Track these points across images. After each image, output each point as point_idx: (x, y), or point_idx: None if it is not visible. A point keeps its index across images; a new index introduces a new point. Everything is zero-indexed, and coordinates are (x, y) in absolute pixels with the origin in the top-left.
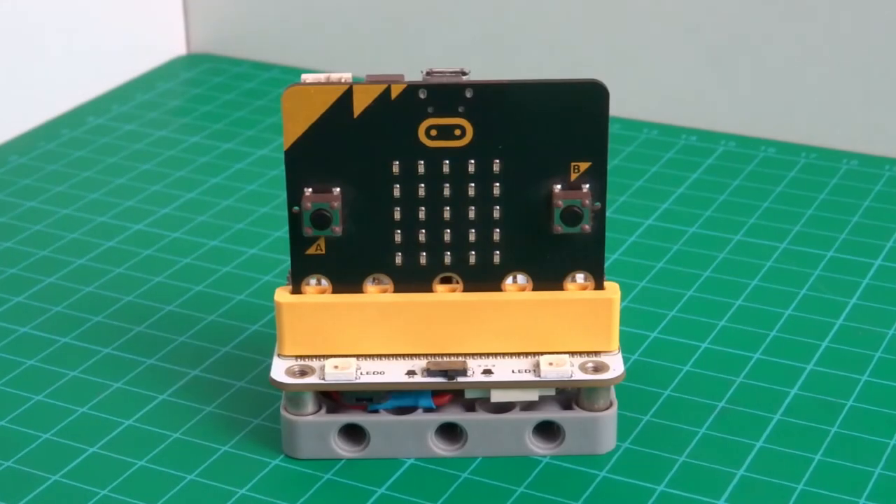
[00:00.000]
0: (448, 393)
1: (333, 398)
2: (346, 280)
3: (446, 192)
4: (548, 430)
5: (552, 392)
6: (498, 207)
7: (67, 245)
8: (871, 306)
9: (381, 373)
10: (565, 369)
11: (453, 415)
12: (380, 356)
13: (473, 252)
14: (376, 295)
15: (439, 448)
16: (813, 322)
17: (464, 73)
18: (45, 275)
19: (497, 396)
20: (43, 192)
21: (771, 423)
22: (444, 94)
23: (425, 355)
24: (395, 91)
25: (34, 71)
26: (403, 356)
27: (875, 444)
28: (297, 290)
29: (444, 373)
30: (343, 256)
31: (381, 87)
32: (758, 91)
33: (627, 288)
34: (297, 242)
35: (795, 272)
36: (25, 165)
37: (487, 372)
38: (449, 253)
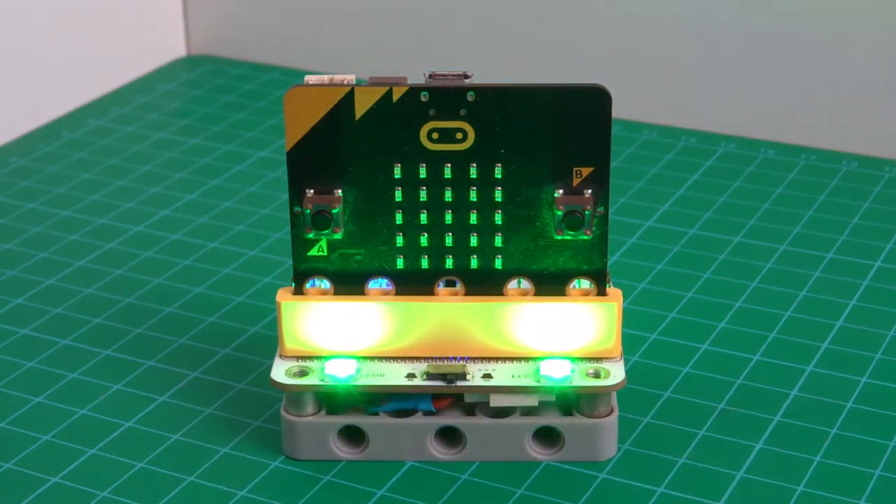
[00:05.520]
0: (448, 397)
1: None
2: (348, 282)
3: (448, 195)
4: (548, 436)
5: (552, 398)
6: (499, 212)
7: (67, 247)
8: (871, 308)
9: (381, 375)
10: (565, 375)
11: (453, 419)
12: (380, 358)
13: (475, 256)
14: (377, 297)
15: (438, 452)
16: (813, 324)
17: (466, 76)
18: (46, 276)
19: (496, 401)
20: (43, 194)
21: (771, 425)
22: (446, 97)
23: (426, 358)
24: (397, 93)
25: (34, 72)
26: (404, 359)
27: (875, 445)
28: (298, 291)
29: (443, 376)
30: (344, 258)
31: (383, 90)
32: (757, 93)
33: (627, 289)
34: (299, 243)
35: (795, 274)
36: (25, 167)
37: (487, 376)
38: (450, 256)
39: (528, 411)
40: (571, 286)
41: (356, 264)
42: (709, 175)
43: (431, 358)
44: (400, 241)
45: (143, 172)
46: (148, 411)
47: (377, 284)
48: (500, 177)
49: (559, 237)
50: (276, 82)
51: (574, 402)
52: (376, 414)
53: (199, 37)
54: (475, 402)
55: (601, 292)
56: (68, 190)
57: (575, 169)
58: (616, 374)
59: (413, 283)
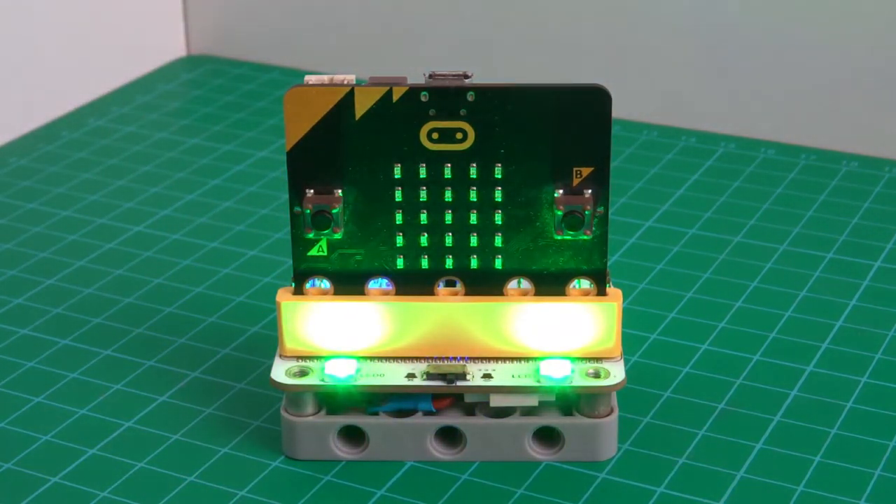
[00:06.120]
0: (448, 397)
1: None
2: (348, 282)
3: (448, 195)
4: (548, 436)
5: (552, 398)
6: (499, 212)
7: (67, 247)
8: (871, 308)
9: (381, 375)
10: (565, 375)
11: (453, 419)
12: (380, 358)
13: (475, 256)
14: (377, 297)
15: (438, 452)
16: (813, 323)
17: (466, 76)
18: (45, 277)
19: (496, 401)
20: (43, 194)
21: (771, 425)
22: (446, 97)
23: (426, 358)
24: (397, 93)
25: (34, 72)
26: (404, 359)
27: (875, 445)
28: (298, 291)
29: (443, 376)
30: (344, 258)
31: (383, 90)
32: (757, 93)
33: (627, 290)
34: (299, 243)
35: (795, 274)
36: (25, 167)
37: (487, 376)
38: (450, 256)
39: (528, 411)
40: (571, 286)
41: (356, 264)
42: (709, 175)
43: (431, 358)
44: (400, 241)
45: (143, 172)
46: (148, 411)
47: (377, 284)
48: (500, 177)
49: (559, 237)
50: (275, 82)
51: (574, 402)
52: (376, 414)
53: (199, 37)
54: (475, 402)
55: (601, 292)
56: (68, 190)
57: (575, 169)
58: (616, 374)
59: (413, 283)
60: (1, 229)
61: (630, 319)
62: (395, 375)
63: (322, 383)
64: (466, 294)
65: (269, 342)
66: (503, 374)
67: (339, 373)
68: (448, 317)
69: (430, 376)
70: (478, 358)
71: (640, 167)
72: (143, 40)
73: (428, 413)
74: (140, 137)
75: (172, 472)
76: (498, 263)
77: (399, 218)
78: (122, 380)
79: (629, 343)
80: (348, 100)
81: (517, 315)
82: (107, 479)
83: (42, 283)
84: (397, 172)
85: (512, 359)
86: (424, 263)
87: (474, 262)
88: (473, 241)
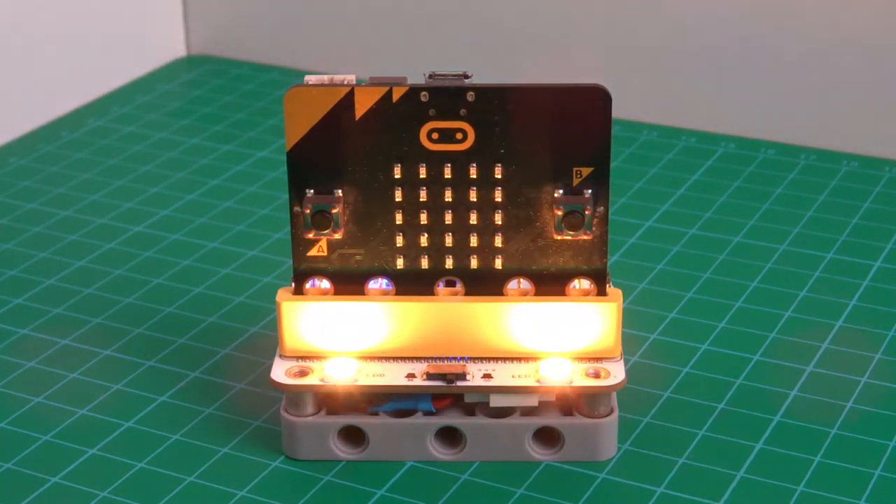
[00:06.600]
0: (448, 397)
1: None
2: (348, 282)
3: (447, 195)
4: (548, 436)
5: (552, 398)
6: (499, 212)
7: (67, 247)
8: (871, 308)
9: (381, 375)
10: (565, 375)
11: (453, 419)
12: (380, 358)
13: (475, 256)
14: (377, 297)
15: (438, 452)
16: (813, 324)
17: (466, 76)
18: (45, 277)
19: (496, 401)
20: (43, 194)
21: (771, 425)
22: (446, 97)
23: (426, 358)
24: (397, 93)
25: (34, 73)
26: (403, 359)
27: (875, 445)
28: (298, 291)
29: (443, 376)
30: (344, 258)
31: (383, 90)
32: (757, 93)
33: (627, 289)
34: (299, 243)
35: (795, 274)
36: (25, 167)
37: (487, 376)
38: (450, 256)
39: (528, 411)
40: (571, 286)
41: (356, 264)
42: (709, 175)
43: (431, 358)
44: (400, 241)
45: (142, 172)
46: (148, 411)
47: (377, 284)
48: (499, 177)
49: (559, 237)
50: (275, 82)
51: (574, 402)
52: (376, 414)
53: (199, 37)
54: (475, 402)
55: (601, 292)
56: (68, 190)
57: (575, 169)
58: (616, 374)
59: (413, 283)
60: (1, 229)
61: (630, 319)
62: (395, 375)
63: (322, 383)
64: (466, 294)
65: (269, 342)
66: (503, 374)
67: (339, 373)
68: (448, 317)
69: (430, 376)
70: (478, 358)
71: (640, 167)
72: (143, 40)
73: (428, 413)
74: (140, 137)
75: (172, 472)
76: (498, 263)
77: (399, 218)
78: (122, 380)
79: (629, 343)
80: (348, 100)
81: (517, 315)
82: (107, 479)
83: (42, 283)
84: (397, 172)
85: (512, 359)
86: (424, 263)
87: (474, 262)
88: (473, 241)
